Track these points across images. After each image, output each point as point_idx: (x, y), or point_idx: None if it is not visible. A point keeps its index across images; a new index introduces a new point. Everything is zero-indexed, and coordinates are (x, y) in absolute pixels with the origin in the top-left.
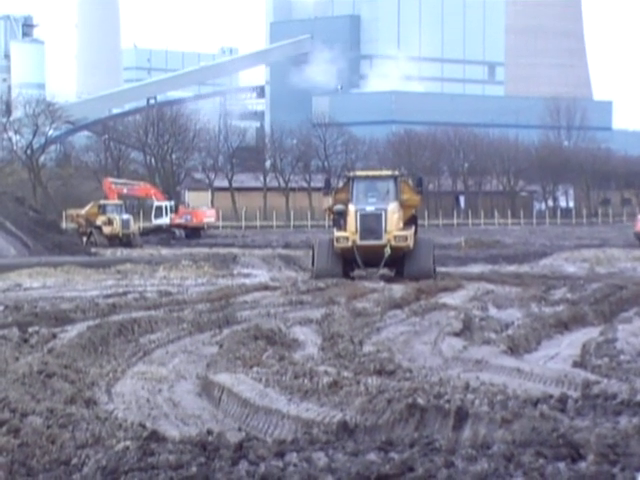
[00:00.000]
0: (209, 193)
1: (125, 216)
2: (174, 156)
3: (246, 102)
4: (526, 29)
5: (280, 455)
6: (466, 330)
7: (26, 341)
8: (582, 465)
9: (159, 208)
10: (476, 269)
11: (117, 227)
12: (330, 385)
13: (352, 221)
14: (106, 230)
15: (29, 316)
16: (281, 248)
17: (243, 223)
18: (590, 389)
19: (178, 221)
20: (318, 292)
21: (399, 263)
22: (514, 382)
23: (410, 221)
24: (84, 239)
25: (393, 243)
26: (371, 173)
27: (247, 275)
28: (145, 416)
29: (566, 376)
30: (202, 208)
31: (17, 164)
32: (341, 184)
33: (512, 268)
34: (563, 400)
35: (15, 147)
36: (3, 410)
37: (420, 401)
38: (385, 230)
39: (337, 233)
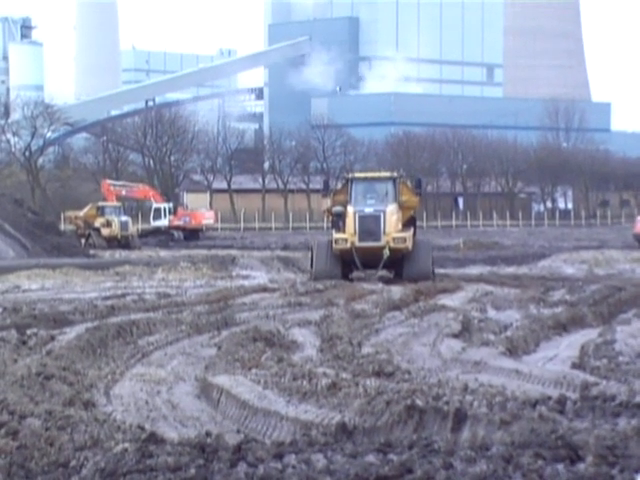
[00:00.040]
0: (208, 195)
1: (124, 218)
2: (173, 158)
3: (245, 104)
4: (524, 31)
5: (279, 457)
6: (465, 331)
7: (24, 343)
8: (581, 466)
9: (158, 210)
10: (475, 270)
11: (116, 229)
12: (329, 387)
13: (351, 223)
14: (105, 232)
15: (27, 318)
16: (280, 250)
17: (242, 225)
18: (589, 390)
19: (177, 223)
20: (317, 294)
21: (398, 265)
22: (513, 383)
23: (409, 223)
24: (82, 241)
25: (392, 245)
26: (370, 175)
27: (246, 277)
28: (144, 418)
29: (565, 377)
30: (201, 210)
31: (15, 166)
32: (340, 186)
33: (511, 269)
34: (562, 401)
35: (13, 149)
36: (1, 412)
37: (419, 402)
38: (384, 232)
39: (336, 235)
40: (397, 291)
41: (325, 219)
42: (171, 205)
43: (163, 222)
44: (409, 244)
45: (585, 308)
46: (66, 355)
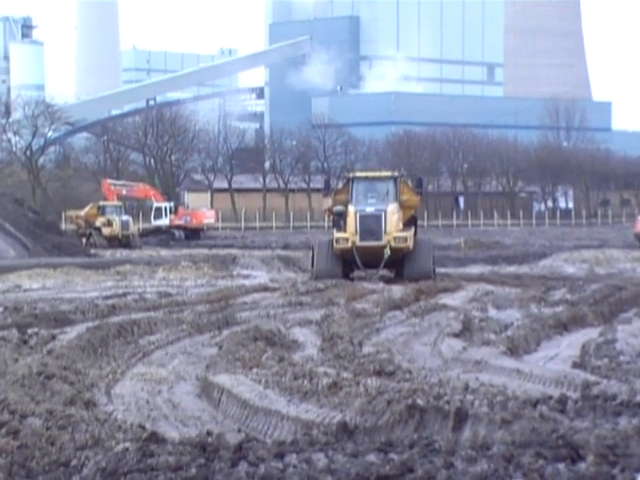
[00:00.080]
0: (208, 194)
1: (124, 217)
2: (173, 157)
3: (245, 103)
4: (525, 30)
5: (280, 456)
6: (466, 331)
7: (25, 342)
8: (582, 466)
9: (158, 209)
10: (475, 270)
11: (116, 228)
12: (330, 386)
13: (352, 222)
14: (105, 231)
15: (28, 317)
16: (281, 249)
17: (242, 224)
18: (590, 390)
19: (177, 222)
20: (318, 293)
21: (399, 264)
22: (514, 383)
23: (410, 222)
24: (83, 240)
25: (393, 244)
26: (371, 174)
27: (246, 276)
28: (145, 417)
29: (565, 377)
30: (201, 209)
31: (16, 165)
32: (341, 185)
33: (511, 269)
34: (563, 401)
35: (14, 148)
36: (2, 412)
37: (420, 402)
38: (385, 231)
39: (337, 234)
40: (398, 290)
41: (326, 218)
42: (172, 204)
43: (164, 221)
44: (410, 243)
45: (586, 307)
46: (67, 354)
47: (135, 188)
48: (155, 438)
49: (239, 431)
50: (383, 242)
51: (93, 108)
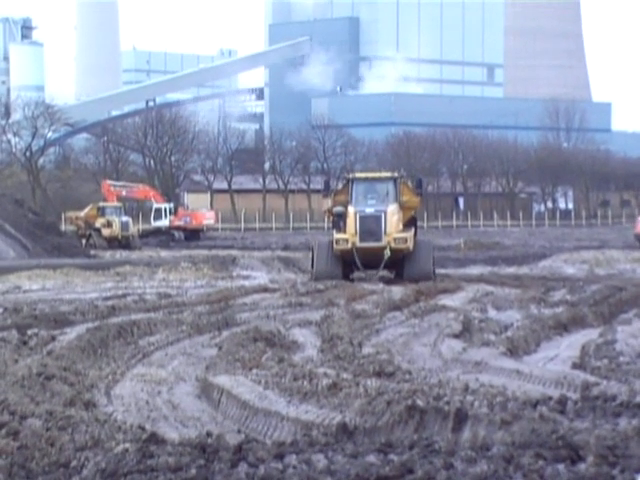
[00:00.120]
0: (208, 195)
1: (124, 218)
2: (173, 158)
3: (245, 104)
4: (525, 31)
5: (279, 457)
6: (465, 332)
7: (25, 343)
8: (582, 467)
9: (158, 210)
10: (475, 271)
11: (116, 229)
12: (329, 387)
13: (352, 223)
14: (105, 232)
15: (28, 318)
16: (280, 250)
17: (242, 225)
18: (589, 391)
19: (177, 223)
20: (317, 294)
21: (399, 265)
22: (513, 384)
23: (410, 223)
24: (83, 241)
25: (393, 245)
26: (370, 175)
27: (246, 277)
28: (144, 418)
29: (565, 378)
30: (201, 210)
31: (16, 166)
32: (340, 186)
33: (511, 270)
34: (562, 402)
35: (14, 149)
36: (2, 412)
37: (419, 403)
38: (385, 232)
39: (336, 235)
40: (398, 291)
41: (326, 219)
42: (172, 205)
43: (164, 222)
44: (410, 244)
45: (586, 308)
46: (67, 355)
47: (135, 189)
48: (155, 439)
49: (239, 432)
50: (383, 243)
51: (93, 109)
